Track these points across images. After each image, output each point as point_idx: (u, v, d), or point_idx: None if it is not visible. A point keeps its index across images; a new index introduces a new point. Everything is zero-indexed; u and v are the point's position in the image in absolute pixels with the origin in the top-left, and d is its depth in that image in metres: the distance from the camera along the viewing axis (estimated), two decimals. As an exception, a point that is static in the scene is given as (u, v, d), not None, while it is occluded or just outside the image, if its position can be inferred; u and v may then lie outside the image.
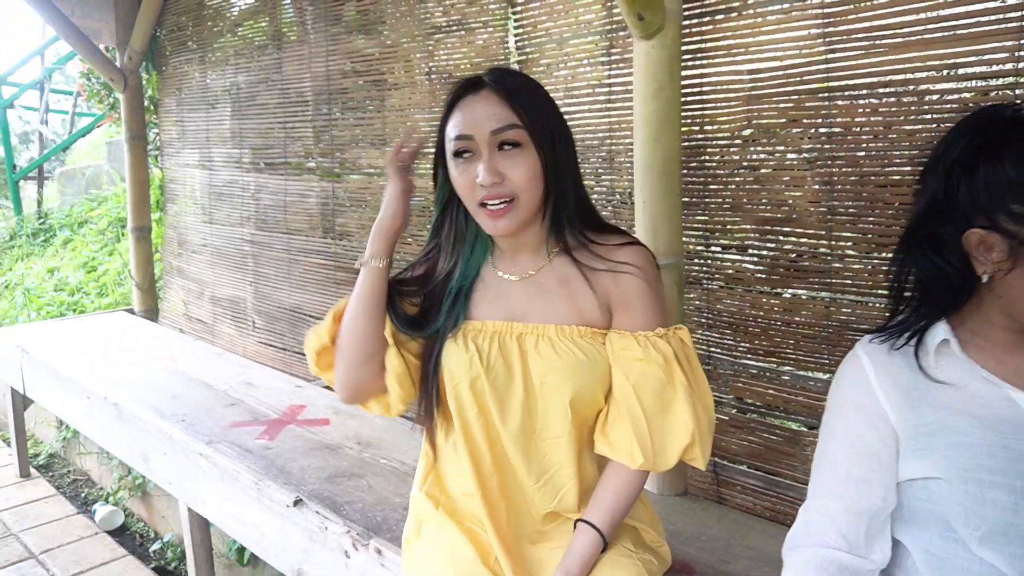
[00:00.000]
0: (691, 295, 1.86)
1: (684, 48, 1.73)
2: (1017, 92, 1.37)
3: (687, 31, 1.73)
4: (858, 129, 1.55)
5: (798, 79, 1.61)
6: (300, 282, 3.16)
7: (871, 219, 1.54)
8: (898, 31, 1.46)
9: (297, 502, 1.74)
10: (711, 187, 1.79)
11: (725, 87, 1.72)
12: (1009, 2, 1.35)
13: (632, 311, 1.11)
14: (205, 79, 3.56)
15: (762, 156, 1.70)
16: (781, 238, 1.70)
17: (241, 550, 2.64)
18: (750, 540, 1.58)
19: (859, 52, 1.51)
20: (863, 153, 1.54)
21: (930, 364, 0.92)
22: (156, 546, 3.07)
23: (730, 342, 1.82)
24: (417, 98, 2.53)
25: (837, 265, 1.61)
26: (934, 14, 1.42)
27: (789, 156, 1.66)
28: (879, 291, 1.55)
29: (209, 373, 2.76)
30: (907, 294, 0.97)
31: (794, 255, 1.69)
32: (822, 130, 1.59)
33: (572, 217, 1.12)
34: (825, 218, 1.61)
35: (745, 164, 1.72)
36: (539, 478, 1.16)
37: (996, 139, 0.85)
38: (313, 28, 2.89)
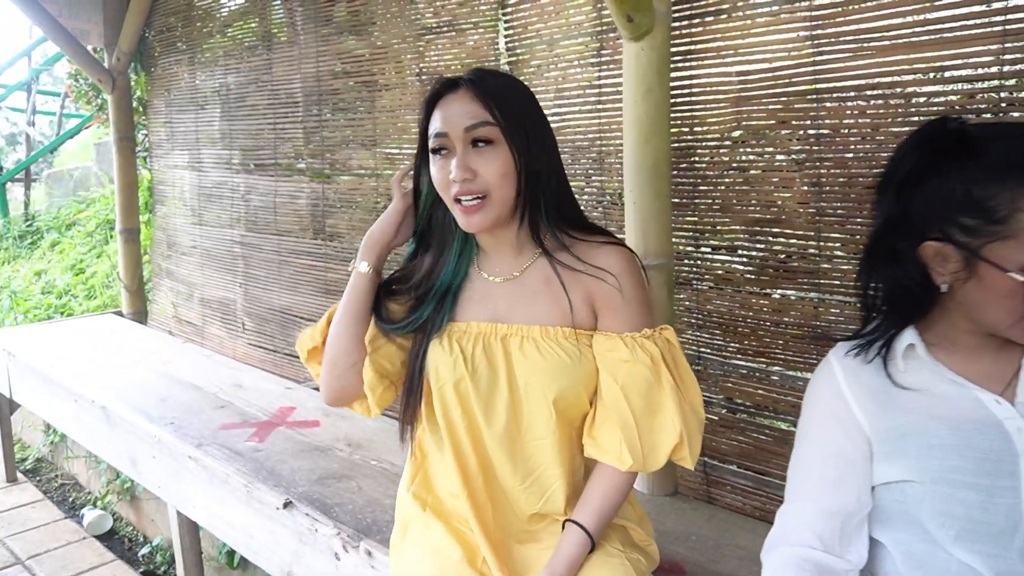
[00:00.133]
0: (681, 296, 1.87)
1: (673, 50, 1.73)
2: (1002, 95, 1.39)
3: (676, 33, 1.74)
4: (846, 131, 1.56)
5: (787, 81, 1.62)
6: (290, 284, 3.14)
7: (859, 220, 1.56)
8: (885, 34, 1.47)
9: (287, 504, 1.74)
10: (701, 188, 1.80)
11: (714, 89, 1.73)
12: (994, 6, 1.36)
13: (616, 313, 1.12)
14: (194, 80, 3.54)
15: (751, 157, 1.71)
16: (770, 239, 1.71)
17: (231, 553, 2.62)
18: (740, 540, 1.59)
19: (847, 55, 1.53)
20: (851, 155, 1.56)
21: (899, 369, 0.95)
22: (145, 550, 3.05)
23: (720, 342, 1.83)
24: (408, 99, 2.53)
25: (825, 266, 1.62)
26: (920, 18, 1.43)
27: (778, 157, 1.68)
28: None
29: (198, 375, 2.74)
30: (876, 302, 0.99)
31: (783, 256, 1.70)
32: (810, 132, 1.60)
33: (552, 215, 1.12)
34: (814, 219, 1.62)
35: (734, 165, 1.73)
36: (524, 479, 1.17)
37: (942, 154, 0.88)
38: (303, 29, 2.89)
